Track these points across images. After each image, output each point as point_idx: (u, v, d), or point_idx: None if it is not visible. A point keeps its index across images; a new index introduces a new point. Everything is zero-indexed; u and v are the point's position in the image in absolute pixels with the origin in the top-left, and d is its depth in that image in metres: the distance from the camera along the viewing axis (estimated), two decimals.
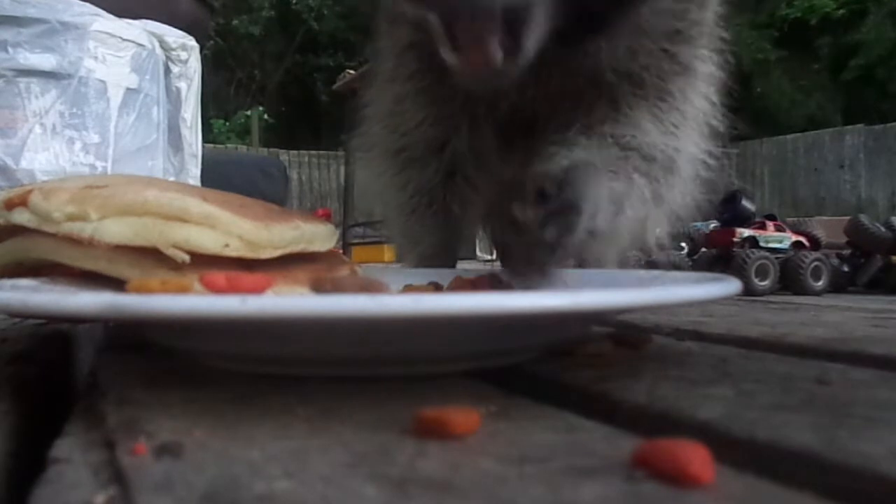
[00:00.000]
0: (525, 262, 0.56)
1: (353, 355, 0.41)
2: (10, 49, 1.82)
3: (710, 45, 0.78)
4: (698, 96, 0.77)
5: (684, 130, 0.74)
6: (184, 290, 0.43)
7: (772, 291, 1.66)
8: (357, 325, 0.36)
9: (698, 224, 1.91)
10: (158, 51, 2.13)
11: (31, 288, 0.49)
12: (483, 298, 0.37)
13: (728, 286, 0.46)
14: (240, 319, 0.33)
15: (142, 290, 0.43)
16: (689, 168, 0.77)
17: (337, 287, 0.45)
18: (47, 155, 1.85)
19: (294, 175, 6.94)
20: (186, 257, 0.48)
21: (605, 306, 0.40)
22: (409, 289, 0.61)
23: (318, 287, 0.46)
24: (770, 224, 1.84)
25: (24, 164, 1.82)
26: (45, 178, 1.64)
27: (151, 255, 0.49)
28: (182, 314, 0.34)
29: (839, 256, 2.00)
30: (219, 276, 0.44)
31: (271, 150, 7.93)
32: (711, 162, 0.81)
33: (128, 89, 2.00)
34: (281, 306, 0.35)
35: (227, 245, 0.49)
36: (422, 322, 0.36)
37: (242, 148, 8.39)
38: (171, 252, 0.48)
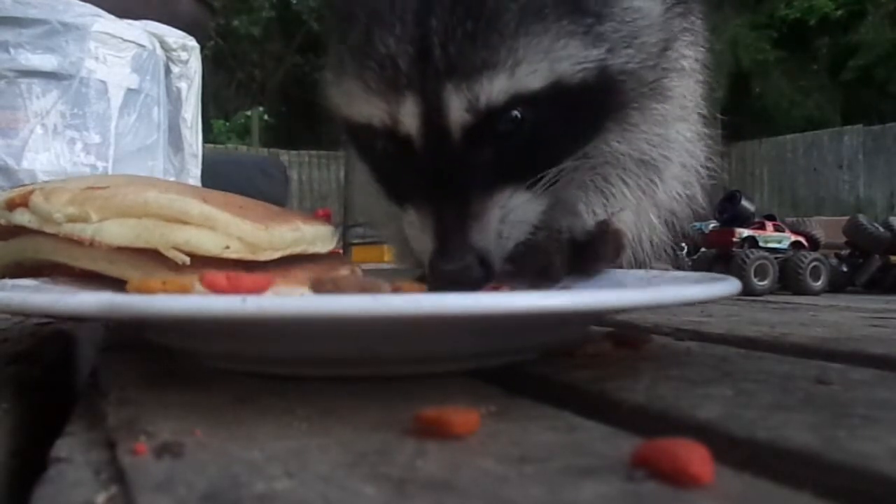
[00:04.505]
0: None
1: (354, 355, 0.41)
2: (11, 50, 1.82)
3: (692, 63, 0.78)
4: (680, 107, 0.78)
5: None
6: (184, 290, 0.44)
7: (771, 291, 1.66)
8: (357, 324, 0.36)
9: (698, 224, 1.90)
10: (159, 51, 2.13)
11: (33, 288, 0.49)
12: (483, 299, 0.37)
13: (727, 286, 0.46)
14: (240, 319, 0.33)
15: (142, 289, 0.43)
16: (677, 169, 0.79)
17: (337, 287, 0.45)
18: (48, 155, 1.85)
19: (294, 175, 6.94)
20: (187, 259, 0.48)
21: (604, 306, 0.40)
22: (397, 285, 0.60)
23: (319, 287, 0.46)
24: (769, 224, 1.84)
25: (25, 164, 1.82)
26: (46, 179, 1.64)
27: (152, 257, 0.49)
28: (182, 314, 0.34)
29: (838, 256, 2.00)
30: (219, 276, 0.44)
31: (271, 150, 7.94)
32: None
33: (128, 90, 2.00)
34: (281, 306, 0.35)
35: (227, 247, 0.49)
36: (422, 322, 0.36)
37: (242, 148, 8.41)
38: (171, 253, 0.48)
